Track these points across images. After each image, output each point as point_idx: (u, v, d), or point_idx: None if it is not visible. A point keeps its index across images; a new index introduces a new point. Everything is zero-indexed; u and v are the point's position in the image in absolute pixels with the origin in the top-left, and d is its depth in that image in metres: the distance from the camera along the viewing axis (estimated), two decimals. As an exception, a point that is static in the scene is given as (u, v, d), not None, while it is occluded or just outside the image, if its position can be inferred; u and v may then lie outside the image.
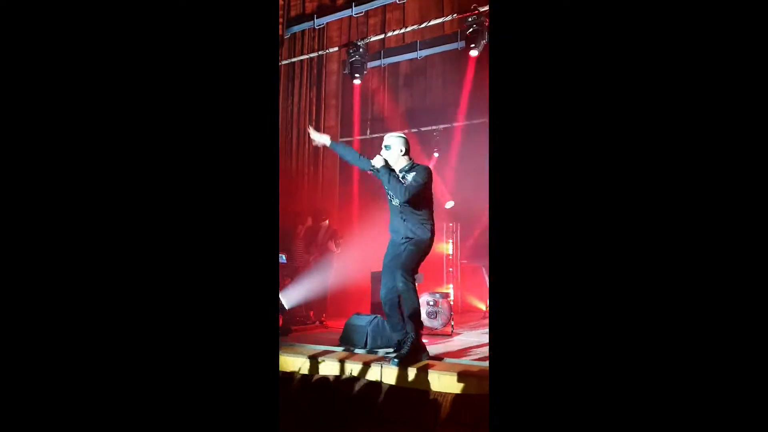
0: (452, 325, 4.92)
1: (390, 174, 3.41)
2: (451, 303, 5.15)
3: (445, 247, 6.63)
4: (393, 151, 3.50)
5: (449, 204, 6.14)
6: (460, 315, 6.04)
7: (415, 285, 3.49)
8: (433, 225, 3.53)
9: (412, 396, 3.06)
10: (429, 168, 3.56)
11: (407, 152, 3.55)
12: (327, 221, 6.16)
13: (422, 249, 3.49)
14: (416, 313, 3.46)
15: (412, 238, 3.47)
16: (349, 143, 7.19)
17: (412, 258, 3.46)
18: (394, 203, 3.53)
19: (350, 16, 6.90)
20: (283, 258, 5.71)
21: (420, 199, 3.47)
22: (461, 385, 2.99)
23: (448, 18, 6.22)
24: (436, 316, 4.96)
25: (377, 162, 3.44)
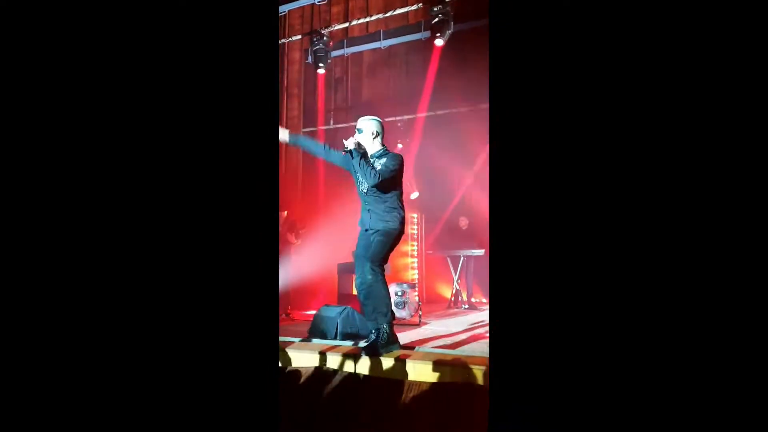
0: (420, 315, 4.86)
1: (361, 156, 3.28)
2: (417, 294, 5.10)
3: (409, 235, 6.55)
4: (365, 134, 3.40)
5: (414, 195, 5.91)
6: (426, 305, 6.01)
7: (384, 276, 3.41)
8: (402, 214, 3.44)
9: (389, 385, 2.99)
10: (401, 156, 3.48)
11: (380, 136, 3.44)
12: (285, 212, 5.98)
13: (392, 239, 3.40)
14: (387, 303, 3.38)
15: (379, 230, 3.37)
16: (313, 133, 7.01)
17: (381, 248, 3.37)
18: (361, 189, 3.43)
19: (313, 4, 6.75)
20: None
21: (389, 187, 3.39)
22: (437, 374, 2.96)
23: (413, 7, 6.13)
24: (404, 306, 4.92)
25: (349, 143, 3.31)
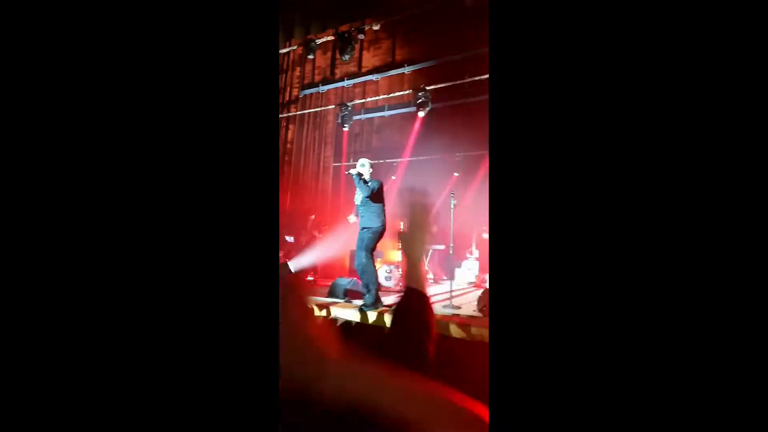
0: (401, 285, 4.75)
1: (360, 178, 3.42)
2: (400, 271, 5.00)
3: (398, 235, 6.42)
4: (364, 168, 3.49)
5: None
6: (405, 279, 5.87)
7: (372, 260, 3.38)
8: (383, 218, 3.46)
9: (374, 330, 2.93)
10: (381, 181, 3.56)
11: (371, 170, 3.53)
12: (313, 216, 5.94)
13: (377, 234, 3.42)
14: (375, 279, 3.35)
15: (370, 228, 3.38)
16: (338, 167, 6.99)
17: (370, 241, 3.39)
18: (357, 202, 3.47)
19: (343, 86, 6.72)
20: (290, 239, 5.59)
21: (375, 199, 3.44)
22: (406, 324, 2.84)
23: (406, 92, 6.14)
24: (391, 279, 4.84)
25: (353, 171, 3.45)
